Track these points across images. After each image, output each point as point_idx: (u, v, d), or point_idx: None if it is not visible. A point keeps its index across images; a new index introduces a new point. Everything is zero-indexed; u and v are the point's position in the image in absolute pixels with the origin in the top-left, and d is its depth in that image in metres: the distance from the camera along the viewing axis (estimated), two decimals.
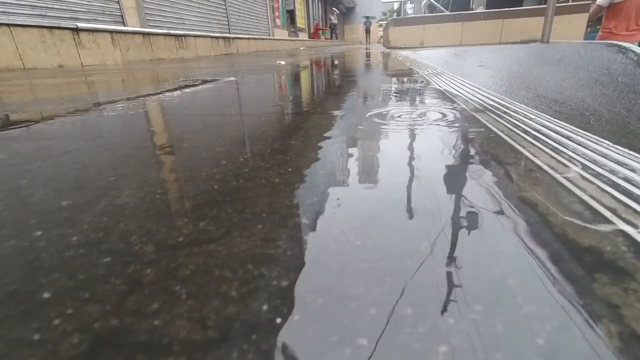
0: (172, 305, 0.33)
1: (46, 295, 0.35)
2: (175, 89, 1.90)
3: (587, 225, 0.45)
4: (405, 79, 2.14)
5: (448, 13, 7.97)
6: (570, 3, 6.78)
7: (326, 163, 0.71)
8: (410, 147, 0.81)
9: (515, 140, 0.82)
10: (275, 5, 11.24)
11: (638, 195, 0.54)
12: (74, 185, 0.63)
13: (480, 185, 0.58)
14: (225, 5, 7.77)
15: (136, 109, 1.36)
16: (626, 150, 0.75)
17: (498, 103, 1.30)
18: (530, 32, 6.21)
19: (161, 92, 1.79)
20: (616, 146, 0.77)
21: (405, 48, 6.75)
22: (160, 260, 0.40)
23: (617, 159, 0.69)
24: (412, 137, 0.90)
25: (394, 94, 1.59)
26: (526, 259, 0.39)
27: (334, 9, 18.70)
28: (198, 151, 0.81)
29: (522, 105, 1.25)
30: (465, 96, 1.46)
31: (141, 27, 4.98)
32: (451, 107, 1.25)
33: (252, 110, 1.30)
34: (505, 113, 1.12)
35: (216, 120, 1.13)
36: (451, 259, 0.39)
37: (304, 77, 2.71)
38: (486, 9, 8.41)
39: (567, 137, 0.85)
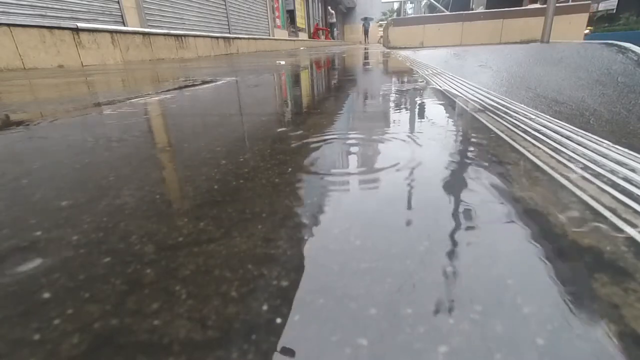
0: (172, 305, 0.33)
1: (46, 295, 0.35)
2: (175, 89, 1.90)
3: (587, 225, 0.45)
4: (406, 79, 2.14)
5: (448, 13, 7.97)
6: (570, 3, 6.78)
7: (326, 164, 0.71)
8: (410, 147, 0.81)
9: (515, 140, 0.82)
10: (275, 5, 11.23)
11: (638, 195, 0.54)
12: (73, 185, 0.63)
13: (480, 185, 0.58)
14: (225, 5, 7.77)
15: (136, 109, 1.36)
16: (626, 150, 0.75)
17: (498, 103, 1.30)
18: (530, 32, 6.20)
19: (161, 92, 1.79)
20: (616, 146, 0.77)
21: (405, 48, 6.75)
22: (160, 260, 0.40)
23: (617, 159, 0.69)
24: (412, 137, 0.89)
25: (394, 94, 1.59)
26: (526, 259, 0.39)
27: (329, 7, 18.77)
28: (198, 151, 0.81)
29: (522, 105, 1.25)
30: (465, 96, 1.46)
31: (141, 27, 4.98)
32: (451, 107, 1.25)
33: (252, 111, 1.30)
34: (505, 113, 1.12)
35: (216, 121, 1.13)
36: (451, 259, 0.39)
37: (304, 77, 2.71)
38: (486, 9, 8.42)
39: (567, 137, 0.85)
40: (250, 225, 0.47)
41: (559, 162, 0.68)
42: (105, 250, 0.42)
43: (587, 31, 9.49)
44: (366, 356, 0.27)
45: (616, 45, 2.90)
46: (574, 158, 0.71)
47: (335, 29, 19.97)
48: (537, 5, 6.64)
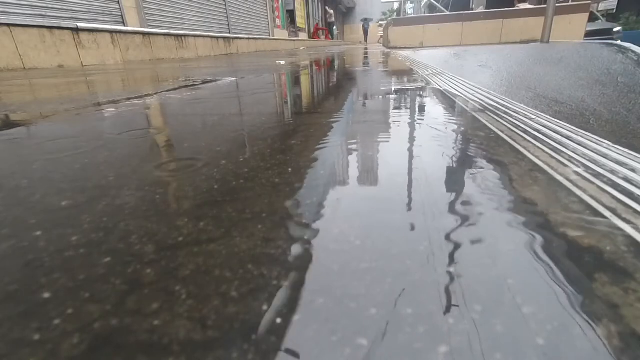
0: (172, 305, 0.33)
1: (46, 295, 0.35)
2: (175, 89, 1.90)
3: (587, 225, 0.45)
4: (405, 79, 2.14)
5: (448, 13, 7.97)
6: (570, 3, 6.78)
7: (326, 164, 0.71)
8: (410, 147, 0.81)
9: (515, 140, 0.82)
10: (275, 5, 11.23)
11: (638, 195, 0.54)
12: (73, 184, 0.63)
13: (480, 185, 0.58)
14: (225, 5, 7.76)
15: (136, 109, 1.36)
16: (626, 150, 0.75)
17: (498, 103, 1.30)
18: (530, 32, 6.20)
19: (161, 92, 1.79)
20: (616, 146, 0.77)
21: (405, 48, 6.75)
22: (160, 260, 0.40)
23: (617, 159, 0.69)
24: (412, 137, 0.90)
25: (394, 94, 1.59)
26: (526, 259, 0.39)
27: (326, 7, 18.74)
28: (198, 151, 0.81)
29: (522, 105, 1.25)
30: (465, 96, 1.46)
31: (141, 27, 4.98)
32: (451, 107, 1.25)
33: (251, 111, 1.30)
34: (505, 113, 1.12)
35: (216, 120, 1.13)
36: (451, 259, 0.39)
37: (304, 77, 2.71)
38: (486, 9, 8.41)
39: (567, 137, 0.85)
40: (250, 225, 0.47)
41: (559, 162, 0.68)
42: (105, 250, 0.42)
43: (618, 28, 8.75)
44: (366, 356, 0.27)
45: (616, 45, 2.90)
46: (574, 158, 0.71)
47: (334, 28, 19.96)
48: (527, 6, 6.64)
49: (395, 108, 1.27)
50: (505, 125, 0.97)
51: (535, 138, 0.85)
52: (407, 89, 1.72)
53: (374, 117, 1.14)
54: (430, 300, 0.33)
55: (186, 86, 2.03)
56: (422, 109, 1.25)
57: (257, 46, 8.91)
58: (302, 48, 11.07)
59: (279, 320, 0.31)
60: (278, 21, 11.56)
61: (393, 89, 1.77)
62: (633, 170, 0.64)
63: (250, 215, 0.50)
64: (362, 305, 0.32)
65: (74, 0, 3.96)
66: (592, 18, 9.17)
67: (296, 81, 2.44)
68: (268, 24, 10.54)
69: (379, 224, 0.47)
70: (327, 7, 18.94)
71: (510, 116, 1.08)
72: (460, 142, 0.83)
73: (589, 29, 8.07)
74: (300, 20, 14.33)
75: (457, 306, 0.32)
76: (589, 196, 0.53)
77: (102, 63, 4.09)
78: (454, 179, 0.61)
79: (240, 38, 8.01)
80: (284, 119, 1.16)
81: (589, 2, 6.44)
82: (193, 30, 6.35)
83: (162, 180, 0.64)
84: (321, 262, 0.39)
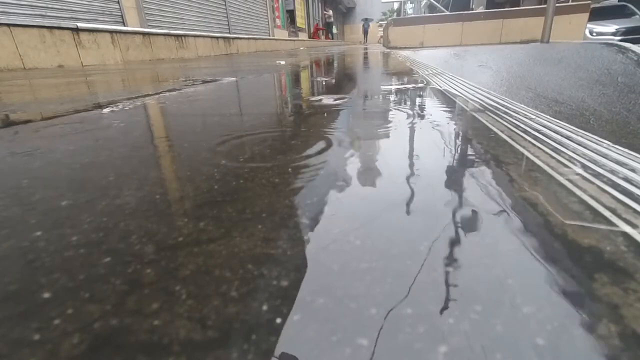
0: (172, 305, 0.33)
1: (46, 295, 0.35)
2: (176, 89, 1.90)
3: (587, 225, 0.45)
4: (406, 79, 2.14)
5: (448, 13, 7.97)
6: (570, 3, 6.77)
7: (325, 164, 0.71)
8: (410, 147, 0.81)
9: (515, 140, 0.82)
10: (275, 5, 11.23)
11: (638, 195, 0.54)
12: (73, 184, 0.63)
13: (480, 185, 0.58)
14: (225, 5, 7.77)
15: (136, 109, 1.36)
16: (626, 150, 0.75)
17: (498, 103, 1.30)
18: (530, 32, 6.21)
19: (161, 92, 1.79)
20: (616, 146, 0.77)
21: (405, 48, 6.75)
22: (160, 260, 0.40)
23: (617, 159, 0.69)
24: (412, 137, 0.90)
25: (394, 94, 1.59)
26: (526, 259, 0.39)
27: (325, 10, 18.72)
28: (198, 151, 0.81)
29: (522, 105, 1.25)
30: (465, 96, 1.46)
31: (141, 27, 4.98)
32: (451, 107, 1.25)
33: (251, 111, 1.30)
34: (505, 113, 1.12)
35: (216, 120, 1.13)
36: (451, 259, 0.39)
37: (304, 77, 2.71)
38: (486, 9, 8.41)
39: (567, 137, 0.85)
40: (250, 225, 0.47)
41: (559, 162, 0.68)
42: (105, 250, 0.42)
43: None
44: (366, 356, 0.27)
45: (616, 45, 2.90)
46: (574, 158, 0.71)
47: (334, 28, 19.92)
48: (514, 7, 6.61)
49: (395, 108, 1.27)
50: (505, 125, 0.97)
51: (535, 138, 0.85)
52: (407, 89, 1.72)
53: (374, 117, 1.14)
54: (431, 300, 0.33)
55: (186, 86, 2.03)
56: (422, 109, 1.25)
57: (257, 46, 8.91)
58: (302, 48, 11.07)
59: (278, 320, 0.31)
60: (278, 21, 11.56)
61: (393, 89, 1.77)
62: (633, 170, 0.64)
63: (250, 215, 0.50)
64: (362, 305, 0.32)
65: (74, 0, 3.96)
66: (627, 13, 7.83)
67: (296, 81, 2.44)
68: (268, 24, 10.54)
69: (379, 223, 0.47)
70: (325, 9, 18.90)
71: (510, 116, 1.08)
72: (460, 142, 0.83)
73: (623, 26, 6.96)
74: (300, 20, 14.33)
75: (457, 306, 0.32)
76: (589, 196, 0.53)
77: (102, 63, 4.09)
78: (454, 179, 0.61)
79: (240, 38, 8.02)
80: (284, 119, 1.16)
81: (589, 2, 6.44)
82: (193, 30, 6.35)
83: (162, 180, 0.64)
84: (321, 262, 0.39)
